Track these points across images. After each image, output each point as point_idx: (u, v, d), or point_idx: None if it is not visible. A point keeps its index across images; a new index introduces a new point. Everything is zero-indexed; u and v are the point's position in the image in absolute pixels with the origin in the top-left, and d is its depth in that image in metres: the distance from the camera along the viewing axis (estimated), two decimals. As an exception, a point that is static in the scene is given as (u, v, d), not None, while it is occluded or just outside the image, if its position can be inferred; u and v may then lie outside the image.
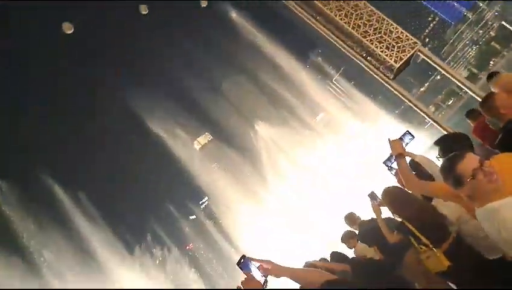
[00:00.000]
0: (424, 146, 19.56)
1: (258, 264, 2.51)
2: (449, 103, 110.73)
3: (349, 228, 7.75)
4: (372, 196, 6.41)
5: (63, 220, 46.24)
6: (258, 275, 2.47)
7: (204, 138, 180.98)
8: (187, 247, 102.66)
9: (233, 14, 55.76)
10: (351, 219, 7.83)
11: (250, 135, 73.16)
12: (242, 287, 2.41)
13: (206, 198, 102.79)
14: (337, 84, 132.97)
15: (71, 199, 48.65)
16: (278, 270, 2.51)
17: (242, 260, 2.51)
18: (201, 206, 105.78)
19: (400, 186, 5.51)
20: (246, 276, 2.44)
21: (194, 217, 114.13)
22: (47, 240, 42.56)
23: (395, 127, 56.77)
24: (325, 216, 44.27)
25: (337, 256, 7.31)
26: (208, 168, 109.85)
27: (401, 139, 4.63)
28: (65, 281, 38.67)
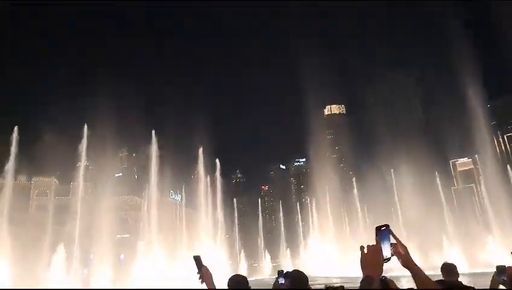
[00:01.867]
0: None
1: (393, 241, 2.45)
2: None
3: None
4: (501, 270, 5.48)
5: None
6: (386, 250, 2.40)
7: (337, 108, 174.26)
8: (262, 187, 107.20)
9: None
10: (448, 269, 6.65)
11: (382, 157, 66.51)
12: (364, 250, 2.38)
13: (304, 160, 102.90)
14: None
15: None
16: (408, 260, 2.47)
17: (384, 227, 2.44)
18: (295, 164, 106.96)
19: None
20: (375, 243, 2.39)
21: (284, 167, 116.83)
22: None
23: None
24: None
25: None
26: (321, 134, 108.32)
27: None
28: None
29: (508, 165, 60.79)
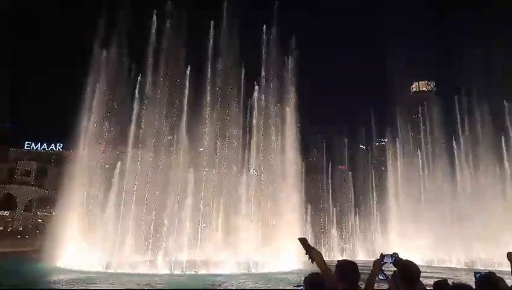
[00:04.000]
0: None
1: None
2: None
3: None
4: None
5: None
6: None
7: (426, 85, 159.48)
8: (339, 166, 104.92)
9: None
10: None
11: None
12: None
13: (386, 140, 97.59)
14: None
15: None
16: None
17: None
18: (376, 144, 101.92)
19: None
20: None
21: (363, 147, 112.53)
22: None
23: None
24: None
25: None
26: (407, 112, 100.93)
27: None
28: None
29: None
